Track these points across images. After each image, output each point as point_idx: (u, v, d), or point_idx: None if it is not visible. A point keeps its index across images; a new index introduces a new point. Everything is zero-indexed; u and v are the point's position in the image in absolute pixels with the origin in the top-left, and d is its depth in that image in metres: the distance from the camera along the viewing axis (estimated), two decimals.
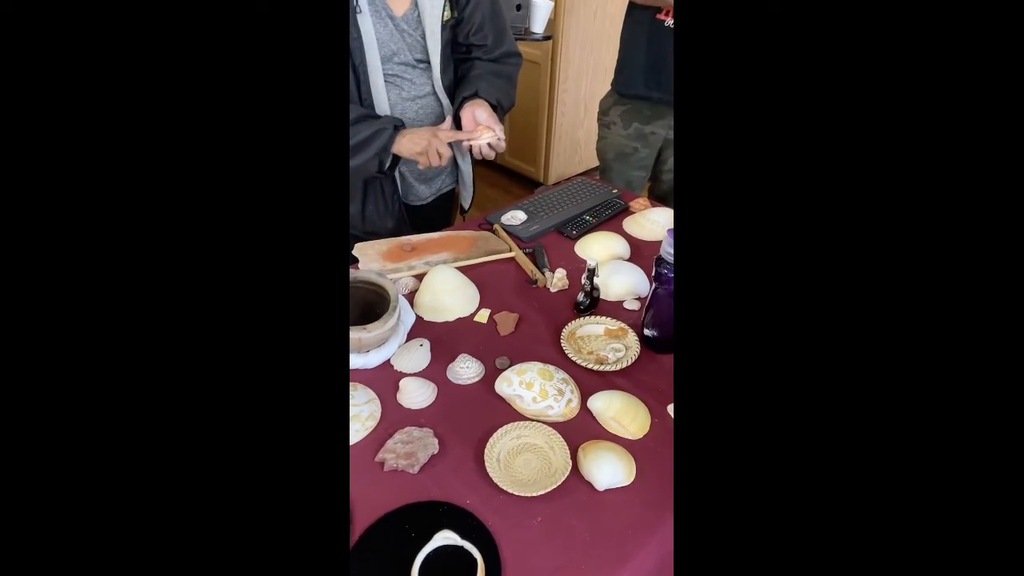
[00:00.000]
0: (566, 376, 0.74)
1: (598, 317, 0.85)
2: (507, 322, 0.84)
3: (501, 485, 0.60)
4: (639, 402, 0.71)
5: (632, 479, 0.62)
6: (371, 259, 0.97)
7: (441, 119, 1.06)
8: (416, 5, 0.97)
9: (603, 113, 1.50)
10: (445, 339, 0.81)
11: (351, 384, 0.72)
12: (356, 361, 0.75)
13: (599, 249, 1.00)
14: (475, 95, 1.02)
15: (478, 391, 0.73)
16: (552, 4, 2.14)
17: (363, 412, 0.68)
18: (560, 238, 1.07)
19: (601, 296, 0.89)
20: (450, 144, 1.00)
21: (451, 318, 0.86)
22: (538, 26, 2.38)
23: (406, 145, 0.97)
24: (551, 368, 0.73)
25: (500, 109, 1.05)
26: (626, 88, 1.41)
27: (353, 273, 0.81)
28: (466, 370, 0.74)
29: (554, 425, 0.68)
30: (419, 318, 0.86)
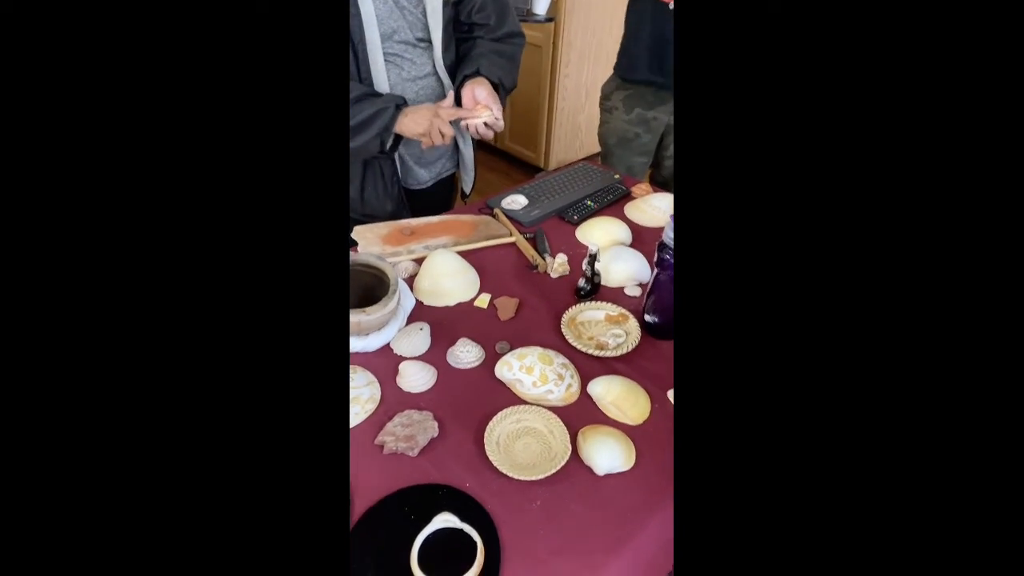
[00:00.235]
0: (566, 361, 0.73)
1: (599, 303, 0.84)
2: (507, 307, 0.84)
3: (501, 469, 0.60)
4: (639, 388, 0.71)
5: (632, 464, 0.62)
6: (370, 242, 0.96)
7: (442, 100, 1.04)
8: None
9: (605, 98, 1.48)
10: (445, 323, 0.81)
11: (351, 367, 0.72)
12: (356, 344, 0.75)
13: (600, 234, 1.00)
14: (476, 73, 1.00)
15: (478, 375, 0.73)
16: None
17: (363, 395, 0.68)
18: (561, 223, 1.06)
19: (602, 282, 0.89)
20: (452, 123, 0.98)
21: (451, 302, 0.85)
22: (540, 7, 2.34)
23: (408, 125, 0.95)
24: (551, 353, 0.73)
25: (502, 89, 1.03)
26: (629, 72, 1.39)
27: (352, 256, 0.80)
28: (466, 354, 0.74)
29: (554, 409, 0.68)
30: (419, 302, 0.85)
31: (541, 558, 0.53)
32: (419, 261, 0.92)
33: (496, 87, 1.01)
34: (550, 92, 2.48)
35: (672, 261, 0.73)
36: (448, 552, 0.53)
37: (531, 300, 0.86)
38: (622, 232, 1.01)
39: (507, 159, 2.84)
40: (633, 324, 0.81)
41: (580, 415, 0.68)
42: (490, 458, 0.61)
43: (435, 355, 0.76)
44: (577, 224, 1.05)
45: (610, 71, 1.47)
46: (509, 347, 0.76)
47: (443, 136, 0.95)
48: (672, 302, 0.77)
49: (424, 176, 1.14)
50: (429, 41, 0.99)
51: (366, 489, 0.58)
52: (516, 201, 1.09)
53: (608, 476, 0.61)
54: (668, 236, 0.72)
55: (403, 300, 0.83)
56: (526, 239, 0.99)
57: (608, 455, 0.61)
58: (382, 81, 0.97)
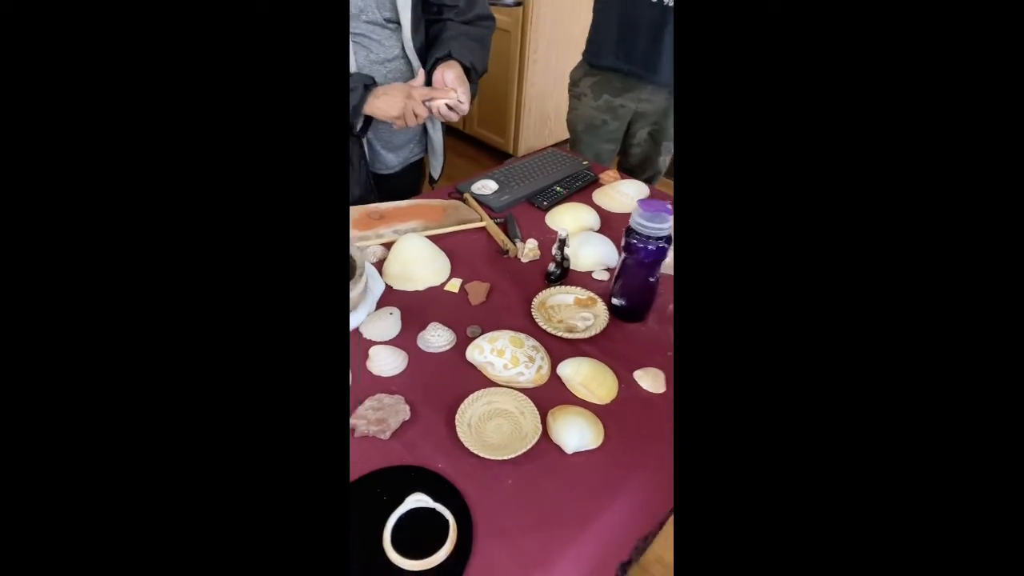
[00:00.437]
0: (536, 344, 0.75)
1: (568, 287, 0.86)
2: (478, 291, 0.84)
3: (472, 449, 0.61)
4: (607, 368, 0.73)
5: (600, 442, 0.64)
6: None
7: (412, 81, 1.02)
8: None
9: (573, 84, 1.49)
10: (415, 308, 0.81)
11: None
12: None
13: (569, 220, 1.01)
14: (448, 56, 0.99)
15: (449, 359, 0.74)
16: None
17: None
18: (531, 208, 1.06)
19: (571, 266, 0.90)
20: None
21: (421, 287, 0.85)
22: None
23: (380, 107, 0.93)
24: (522, 336, 0.74)
25: (474, 72, 1.02)
26: (596, 59, 1.40)
27: None
28: (437, 338, 0.74)
29: (524, 391, 0.69)
30: (388, 287, 0.85)
31: (513, 535, 0.55)
32: (388, 246, 0.91)
33: (468, 70, 1.00)
34: (519, 78, 2.47)
35: (639, 246, 0.74)
36: (421, 531, 0.54)
37: (502, 284, 0.87)
38: (591, 218, 1.02)
39: (475, 144, 2.82)
40: (601, 307, 0.82)
41: (550, 396, 0.69)
42: (462, 439, 0.62)
43: (406, 339, 0.76)
44: (547, 210, 1.05)
45: (579, 57, 1.47)
46: (480, 331, 0.77)
47: (416, 117, 0.94)
48: (639, 286, 0.79)
49: (392, 161, 1.13)
50: (398, 22, 0.98)
51: None
52: (486, 186, 1.09)
53: (577, 454, 0.63)
54: (635, 221, 0.74)
55: (372, 284, 0.82)
56: (496, 224, 0.99)
57: (577, 434, 0.63)
58: (350, 63, 0.95)
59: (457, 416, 0.64)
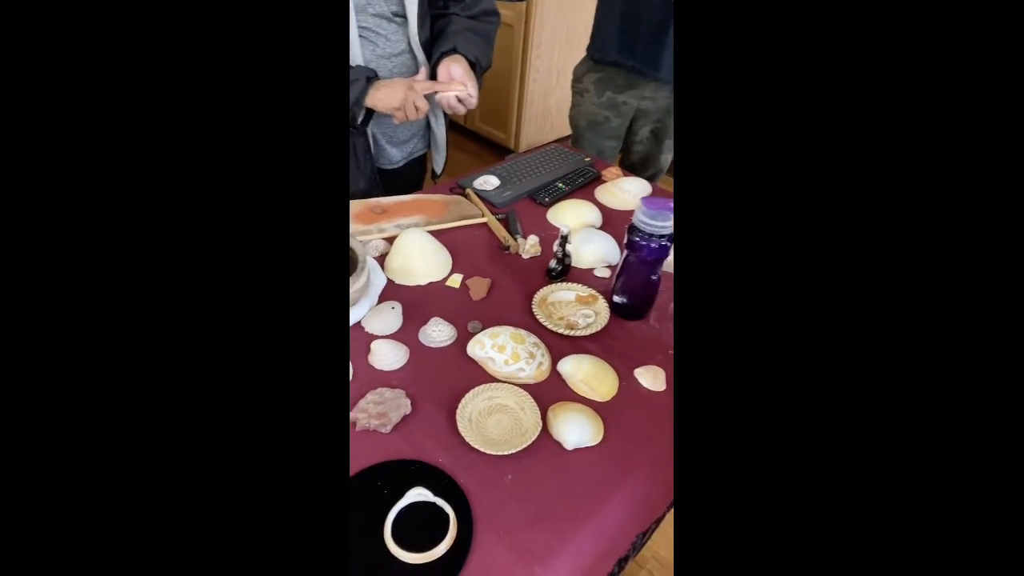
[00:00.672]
0: (537, 340, 0.75)
1: (569, 284, 0.86)
2: (479, 287, 0.85)
3: (473, 444, 0.61)
4: (607, 366, 0.73)
5: (599, 439, 0.64)
6: None
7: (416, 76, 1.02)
8: None
9: (577, 80, 1.49)
10: (417, 303, 0.81)
11: None
12: None
13: (571, 217, 1.01)
14: (453, 50, 0.99)
15: (450, 354, 0.74)
16: None
17: None
18: (533, 205, 1.06)
19: (572, 263, 0.90)
20: (427, 98, 0.97)
21: (423, 282, 0.85)
22: None
23: (381, 98, 0.93)
24: (523, 332, 0.74)
25: (478, 67, 1.02)
26: (600, 54, 1.39)
27: None
28: (438, 333, 0.75)
29: (525, 387, 0.69)
30: (390, 281, 0.85)
31: (512, 530, 0.55)
32: (390, 240, 0.91)
33: (473, 65, 1.00)
34: (521, 73, 2.46)
35: (642, 243, 0.74)
36: (421, 525, 0.54)
37: (503, 280, 0.87)
38: (592, 215, 1.02)
39: (477, 140, 2.81)
40: (602, 304, 0.83)
41: (550, 392, 0.69)
42: (462, 434, 0.62)
43: (407, 334, 0.76)
44: (548, 206, 1.05)
45: (582, 53, 1.47)
46: (481, 326, 0.77)
47: (417, 110, 0.94)
48: (640, 283, 0.79)
49: (396, 156, 1.13)
50: (404, 16, 0.97)
51: None
52: (488, 182, 1.09)
53: (577, 450, 0.63)
54: (638, 219, 0.74)
55: (373, 279, 0.82)
56: (498, 220, 0.99)
57: (577, 430, 0.63)
58: (356, 57, 0.95)
59: (458, 411, 0.65)
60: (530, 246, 0.92)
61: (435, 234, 0.93)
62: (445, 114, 1.14)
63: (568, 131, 1.60)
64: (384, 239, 0.92)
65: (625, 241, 0.77)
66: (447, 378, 0.70)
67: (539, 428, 0.63)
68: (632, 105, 1.42)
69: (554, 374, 0.72)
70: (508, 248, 0.93)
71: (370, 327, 0.76)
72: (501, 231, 0.96)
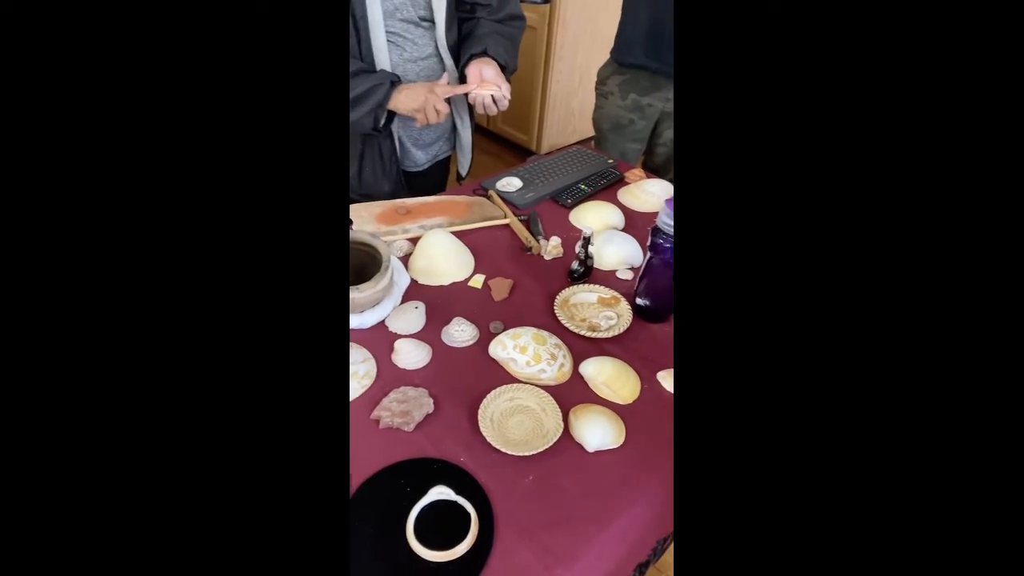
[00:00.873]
0: (559, 341, 0.75)
1: (591, 285, 0.85)
2: (501, 288, 0.85)
3: (494, 444, 0.61)
4: (630, 369, 0.72)
5: (621, 442, 0.64)
6: (365, 221, 0.96)
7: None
8: None
9: (601, 83, 1.48)
10: (440, 303, 0.82)
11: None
12: (351, 321, 0.76)
13: (594, 218, 1.01)
14: (483, 53, 0.99)
15: (472, 354, 0.74)
16: None
17: (359, 371, 0.68)
18: (555, 206, 1.06)
19: (595, 265, 0.90)
20: (448, 102, 0.97)
21: (446, 282, 0.86)
22: None
23: (403, 101, 0.94)
24: (544, 333, 0.74)
25: (507, 70, 1.02)
26: (625, 56, 1.39)
27: None
28: (461, 333, 0.75)
29: (547, 388, 0.69)
30: (413, 281, 0.86)
31: (533, 531, 0.55)
32: (414, 240, 0.92)
33: (502, 68, 1.00)
34: (544, 75, 2.46)
35: (666, 246, 0.74)
36: (443, 524, 0.54)
37: (525, 281, 0.87)
38: (615, 216, 1.02)
39: (499, 141, 2.82)
40: (625, 307, 0.82)
41: (572, 394, 0.69)
42: (484, 434, 0.62)
43: (430, 333, 0.77)
44: (571, 208, 1.05)
45: (605, 55, 1.47)
46: (503, 327, 0.77)
47: (438, 114, 0.95)
48: (664, 286, 0.78)
49: (421, 158, 1.14)
50: (432, 21, 0.98)
51: (363, 462, 0.60)
52: (511, 183, 1.09)
53: (598, 453, 0.63)
54: (662, 221, 0.73)
55: (397, 278, 0.83)
56: (520, 221, 1.00)
57: (599, 433, 0.63)
58: (383, 61, 0.96)
59: (480, 411, 0.65)
60: (552, 247, 0.92)
61: (458, 235, 0.93)
62: (471, 117, 1.15)
63: (590, 133, 1.60)
64: (408, 240, 0.93)
65: (648, 243, 0.76)
66: (469, 378, 0.71)
67: (560, 430, 0.63)
68: (657, 107, 1.41)
69: (576, 376, 0.72)
70: (530, 249, 0.94)
71: (394, 326, 0.77)
72: (523, 232, 0.97)
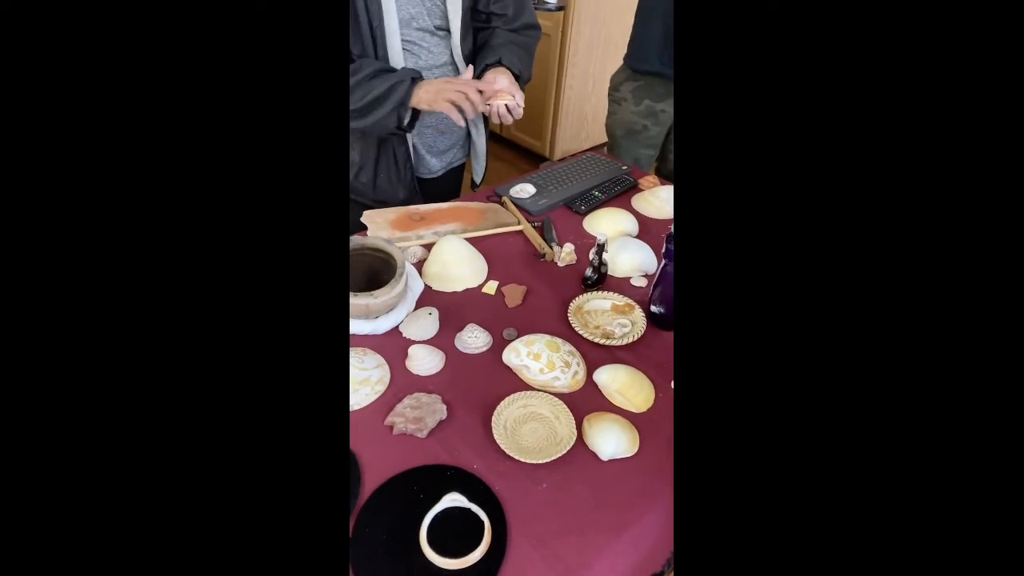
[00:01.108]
0: (572, 349, 0.75)
1: (605, 292, 0.85)
2: (515, 294, 0.85)
3: (508, 452, 0.61)
4: (644, 376, 0.72)
5: (635, 450, 0.64)
6: (379, 227, 0.97)
7: None
8: None
9: (614, 89, 1.48)
10: (453, 309, 0.82)
11: (361, 349, 0.73)
12: (365, 327, 0.76)
13: (608, 225, 1.00)
14: (498, 63, 1.00)
15: (486, 360, 0.74)
16: None
17: (372, 376, 0.69)
18: (569, 213, 1.06)
19: (609, 272, 0.90)
20: (463, 114, 0.97)
21: (459, 288, 0.86)
22: None
23: (424, 97, 0.93)
24: (558, 340, 0.74)
25: (521, 79, 1.03)
26: (640, 63, 1.39)
27: (360, 240, 0.81)
28: (474, 340, 0.75)
29: (560, 396, 0.69)
30: (427, 287, 0.86)
31: (546, 539, 0.55)
32: (428, 247, 0.93)
33: (516, 77, 1.01)
34: (557, 81, 2.47)
35: None
36: (456, 531, 0.54)
37: (538, 288, 0.87)
38: (629, 223, 1.01)
39: (512, 148, 2.83)
40: (639, 314, 0.82)
41: (585, 402, 0.69)
42: (497, 441, 0.62)
43: (443, 340, 0.77)
44: (585, 214, 1.05)
45: (618, 61, 1.47)
46: (516, 334, 0.77)
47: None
48: None
49: (436, 165, 1.14)
50: (447, 30, 0.99)
51: (376, 468, 0.60)
52: (524, 190, 1.10)
53: (612, 461, 0.62)
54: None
55: (411, 284, 0.84)
56: (534, 228, 1.00)
57: (613, 441, 0.62)
58: (399, 67, 0.97)
59: (493, 418, 0.65)
60: (566, 254, 0.92)
61: (472, 241, 0.94)
62: (486, 124, 1.15)
63: (604, 139, 1.60)
64: (422, 246, 0.94)
65: (663, 250, 0.76)
66: (482, 385, 0.71)
67: (574, 438, 0.63)
68: (670, 113, 1.41)
69: (589, 383, 0.72)
70: (544, 256, 0.94)
71: (407, 332, 0.77)
72: (537, 239, 0.97)
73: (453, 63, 1.03)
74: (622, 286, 0.89)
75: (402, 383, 0.70)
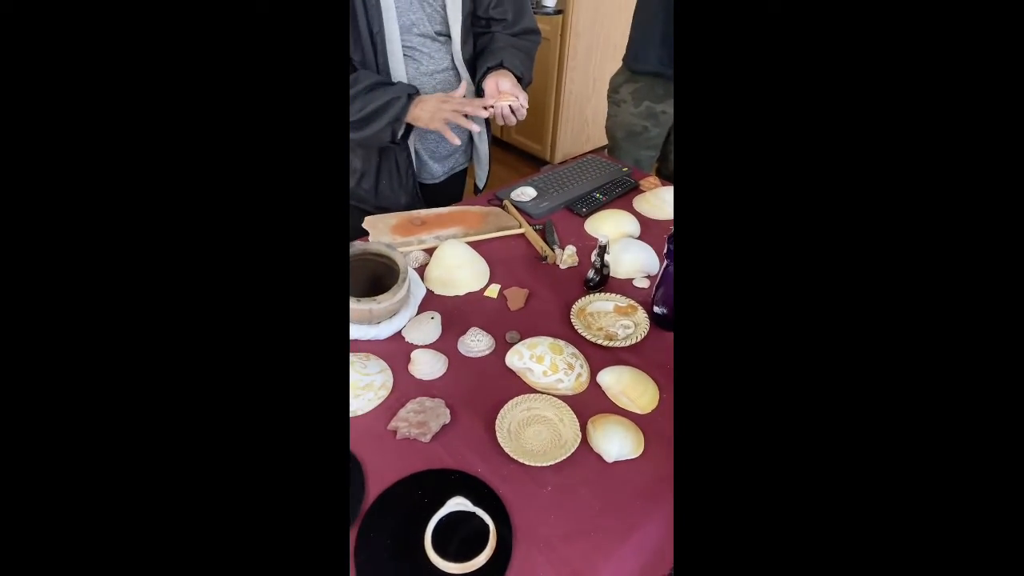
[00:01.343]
0: (575, 351, 0.74)
1: (607, 294, 0.85)
2: (517, 297, 0.85)
3: (512, 455, 0.61)
4: (647, 378, 0.72)
5: (640, 452, 0.63)
6: (381, 232, 0.97)
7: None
8: None
9: (613, 91, 1.48)
10: (456, 313, 0.82)
11: (364, 355, 0.73)
12: (368, 332, 0.76)
13: (609, 227, 1.00)
14: (500, 65, 1.00)
15: (489, 364, 0.74)
16: None
17: (376, 381, 0.69)
18: (570, 215, 1.06)
19: (611, 274, 0.90)
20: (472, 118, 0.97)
21: (461, 292, 0.86)
22: None
23: (419, 115, 0.94)
24: (561, 343, 0.74)
25: (523, 82, 1.03)
26: (639, 64, 1.39)
27: (362, 245, 0.81)
28: (477, 343, 0.75)
29: (564, 398, 0.69)
30: (429, 292, 0.86)
31: (552, 542, 0.55)
32: (429, 251, 0.93)
33: (518, 79, 1.01)
34: (557, 84, 2.47)
35: None
36: (461, 535, 0.54)
37: (540, 291, 0.87)
38: (631, 225, 1.01)
39: (513, 151, 2.84)
40: (642, 315, 0.82)
41: (589, 404, 0.69)
42: (501, 445, 0.62)
43: (446, 344, 0.77)
44: (586, 216, 1.05)
45: (617, 64, 1.47)
46: (519, 337, 0.77)
47: (461, 116, 0.92)
48: None
49: (438, 171, 1.15)
50: (447, 35, 1.00)
51: (380, 473, 0.60)
52: (525, 193, 1.10)
53: (617, 463, 0.62)
54: None
55: (414, 289, 0.84)
56: (535, 230, 1.00)
57: (617, 443, 0.62)
58: (399, 74, 0.98)
59: (497, 421, 0.65)
60: (568, 256, 0.92)
61: (473, 245, 0.94)
62: (488, 129, 1.16)
63: (604, 142, 1.60)
64: (424, 250, 0.94)
65: (665, 251, 0.76)
66: (486, 388, 0.70)
67: (579, 440, 0.63)
68: (671, 114, 1.41)
69: (593, 385, 0.72)
70: (546, 258, 0.93)
71: (410, 337, 0.77)
72: (538, 242, 0.97)
73: (454, 68, 1.03)
74: (624, 287, 0.89)
75: (405, 388, 0.70)
